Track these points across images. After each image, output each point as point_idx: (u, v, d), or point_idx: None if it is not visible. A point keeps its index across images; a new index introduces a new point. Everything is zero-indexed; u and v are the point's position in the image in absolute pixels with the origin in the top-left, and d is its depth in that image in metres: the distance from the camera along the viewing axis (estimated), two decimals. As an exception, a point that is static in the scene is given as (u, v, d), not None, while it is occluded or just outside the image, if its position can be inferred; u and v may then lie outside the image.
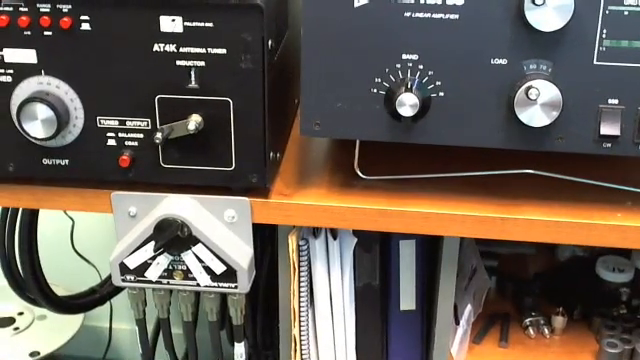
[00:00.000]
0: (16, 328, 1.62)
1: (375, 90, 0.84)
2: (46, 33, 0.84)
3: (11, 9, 0.83)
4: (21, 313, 1.66)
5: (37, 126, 0.85)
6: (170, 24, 0.82)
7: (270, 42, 0.84)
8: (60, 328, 1.61)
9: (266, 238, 1.12)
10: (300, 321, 1.00)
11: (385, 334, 1.06)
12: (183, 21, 0.82)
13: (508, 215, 0.88)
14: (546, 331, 1.11)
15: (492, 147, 0.85)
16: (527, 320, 1.11)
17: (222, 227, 0.92)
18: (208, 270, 0.92)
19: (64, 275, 1.56)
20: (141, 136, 0.88)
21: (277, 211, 0.91)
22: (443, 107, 0.83)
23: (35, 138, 0.86)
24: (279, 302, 1.02)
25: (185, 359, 1.14)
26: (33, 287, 1.22)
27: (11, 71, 0.85)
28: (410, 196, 0.91)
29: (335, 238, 0.97)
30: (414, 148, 0.90)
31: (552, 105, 0.80)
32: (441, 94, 0.83)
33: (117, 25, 0.83)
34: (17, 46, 0.84)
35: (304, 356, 1.02)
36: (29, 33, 0.84)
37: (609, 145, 0.83)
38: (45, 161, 0.90)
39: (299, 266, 0.97)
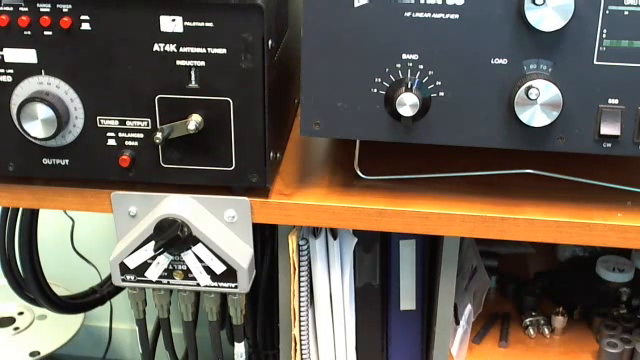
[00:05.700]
0: (16, 328, 1.62)
1: (375, 90, 0.84)
2: (46, 33, 0.84)
3: (11, 9, 0.83)
4: (21, 313, 1.65)
5: (37, 126, 0.85)
6: (170, 24, 0.82)
7: (270, 42, 0.84)
8: (60, 328, 1.61)
9: (266, 238, 1.12)
10: (300, 321, 1.00)
11: (385, 334, 1.06)
12: (183, 21, 0.82)
13: (508, 215, 0.88)
14: (546, 331, 1.11)
15: (492, 147, 0.85)
16: (527, 320, 1.12)
17: (222, 227, 0.92)
18: (208, 270, 0.92)
19: (64, 275, 1.56)
20: (141, 136, 0.88)
21: (277, 211, 0.91)
22: (443, 107, 0.83)
23: (35, 138, 0.86)
24: (279, 302, 1.02)
25: (185, 359, 1.14)
26: (33, 287, 1.22)
27: (11, 71, 0.85)
28: (410, 196, 0.91)
29: (335, 238, 0.97)
30: (414, 148, 0.90)
31: (552, 105, 0.80)
32: (441, 94, 0.83)
33: (117, 25, 0.83)
34: (17, 46, 0.84)
35: (304, 356, 1.02)
36: (29, 33, 0.84)
37: (609, 145, 0.83)
38: (45, 161, 0.90)
39: (299, 266, 0.97)
